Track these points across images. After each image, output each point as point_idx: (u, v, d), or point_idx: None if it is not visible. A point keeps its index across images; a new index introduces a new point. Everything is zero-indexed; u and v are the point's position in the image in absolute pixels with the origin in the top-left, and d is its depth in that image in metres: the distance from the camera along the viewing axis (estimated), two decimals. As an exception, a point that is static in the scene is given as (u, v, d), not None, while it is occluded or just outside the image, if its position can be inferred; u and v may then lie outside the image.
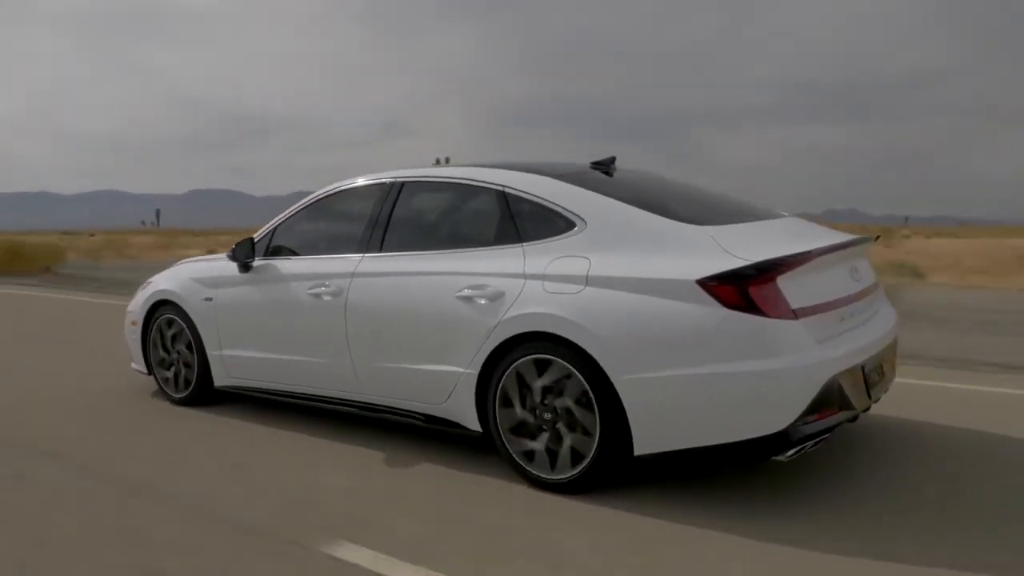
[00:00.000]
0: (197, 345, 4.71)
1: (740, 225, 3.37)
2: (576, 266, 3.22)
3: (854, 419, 3.19)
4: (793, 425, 2.85)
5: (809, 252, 3.05)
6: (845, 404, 3.04)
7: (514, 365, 3.30)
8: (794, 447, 2.89)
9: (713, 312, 2.90)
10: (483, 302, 3.40)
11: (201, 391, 4.77)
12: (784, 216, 3.84)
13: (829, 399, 2.94)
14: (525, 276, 3.33)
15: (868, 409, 3.30)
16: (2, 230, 58.96)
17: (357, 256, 3.98)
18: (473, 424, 3.53)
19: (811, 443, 2.94)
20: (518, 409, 3.32)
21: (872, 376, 3.26)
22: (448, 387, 3.56)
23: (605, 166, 3.94)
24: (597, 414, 3.08)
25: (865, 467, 3.47)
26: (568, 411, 3.18)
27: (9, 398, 5.15)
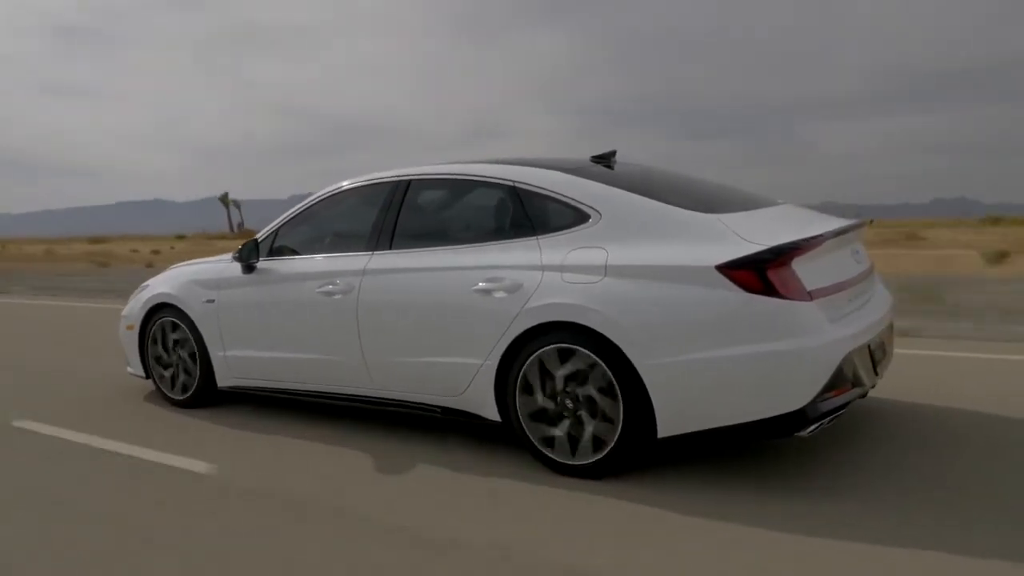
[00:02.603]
0: (199, 347, 4.69)
1: (746, 212, 3.48)
2: (594, 256, 3.31)
3: (863, 395, 3.34)
4: (812, 403, 2.98)
5: (821, 235, 3.18)
6: (857, 381, 3.18)
7: (535, 355, 3.37)
8: (813, 423, 3.01)
9: (733, 296, 3.01)
10: (501, 295, 3.47)
11: (203, 393, 4.76)
12: (781, 203, 3.98)
13: (844, 376, 3.08)
14: (543, 268, 3.41)
15: (875, 386, 3.45)
16: (126, 234, 57.65)
17: (366, 254, 4.02)
18: (492, 415, 3.60)
19: (827, 419, 3.08)
20: (539, 397, 3.41)
21: (877, 354, 3.41)
22: (467, 379, 3.62)
23: (606, 159, 4.04)
24: (620, 399, 3.17)
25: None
26: (590, 397, 3.27)
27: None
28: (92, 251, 29.95)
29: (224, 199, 70.34)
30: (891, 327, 3.75)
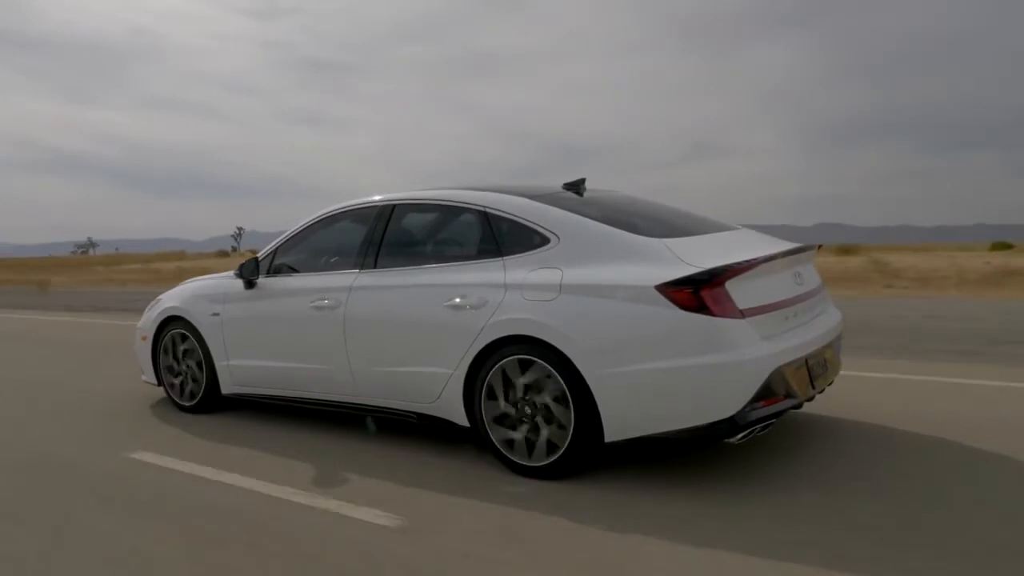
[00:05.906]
0: (205, 357, 5.09)
1: (695, 237, 3.79)
2: (551, 276, 3.63)
3: (799, 406, 3.60)
4: (741, 412, 3.26)
5: (754, 259, 3.48)
6: (789, 393, 3.45)
7: (497, 365, 3.70)
8: (743, 431, 3.30)
9: (670, 313, 3.31)
10: (469, 310, 3.80)
11: (209, 399, 5.15)
12: (738, 229, 4.28)
13: (774, 388, 3.35)
14: (506, 286, 3.74)
15: (812, 398, 3.70)
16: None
17: (354, 272, 4.38)
18: (461, 420, 3.92)
19: (759, 427, 3.36)
20: (501, 404, 3.72)
21: (816, 369, 3.68)
22: (438, 387, 3.95)
23: (576, 187, 4.37)
24: (571, 406, 3.48)
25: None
26: (545, 405, 3.57)
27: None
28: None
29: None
30: (836, 344, 4.02)
